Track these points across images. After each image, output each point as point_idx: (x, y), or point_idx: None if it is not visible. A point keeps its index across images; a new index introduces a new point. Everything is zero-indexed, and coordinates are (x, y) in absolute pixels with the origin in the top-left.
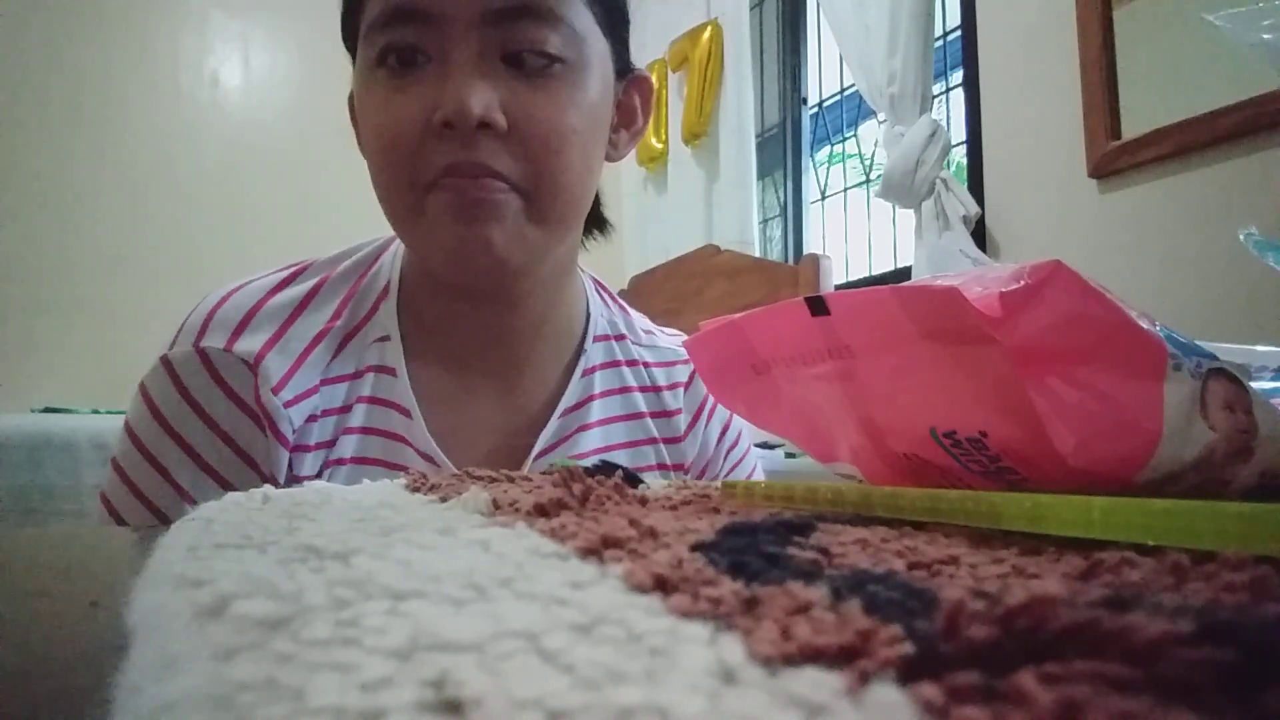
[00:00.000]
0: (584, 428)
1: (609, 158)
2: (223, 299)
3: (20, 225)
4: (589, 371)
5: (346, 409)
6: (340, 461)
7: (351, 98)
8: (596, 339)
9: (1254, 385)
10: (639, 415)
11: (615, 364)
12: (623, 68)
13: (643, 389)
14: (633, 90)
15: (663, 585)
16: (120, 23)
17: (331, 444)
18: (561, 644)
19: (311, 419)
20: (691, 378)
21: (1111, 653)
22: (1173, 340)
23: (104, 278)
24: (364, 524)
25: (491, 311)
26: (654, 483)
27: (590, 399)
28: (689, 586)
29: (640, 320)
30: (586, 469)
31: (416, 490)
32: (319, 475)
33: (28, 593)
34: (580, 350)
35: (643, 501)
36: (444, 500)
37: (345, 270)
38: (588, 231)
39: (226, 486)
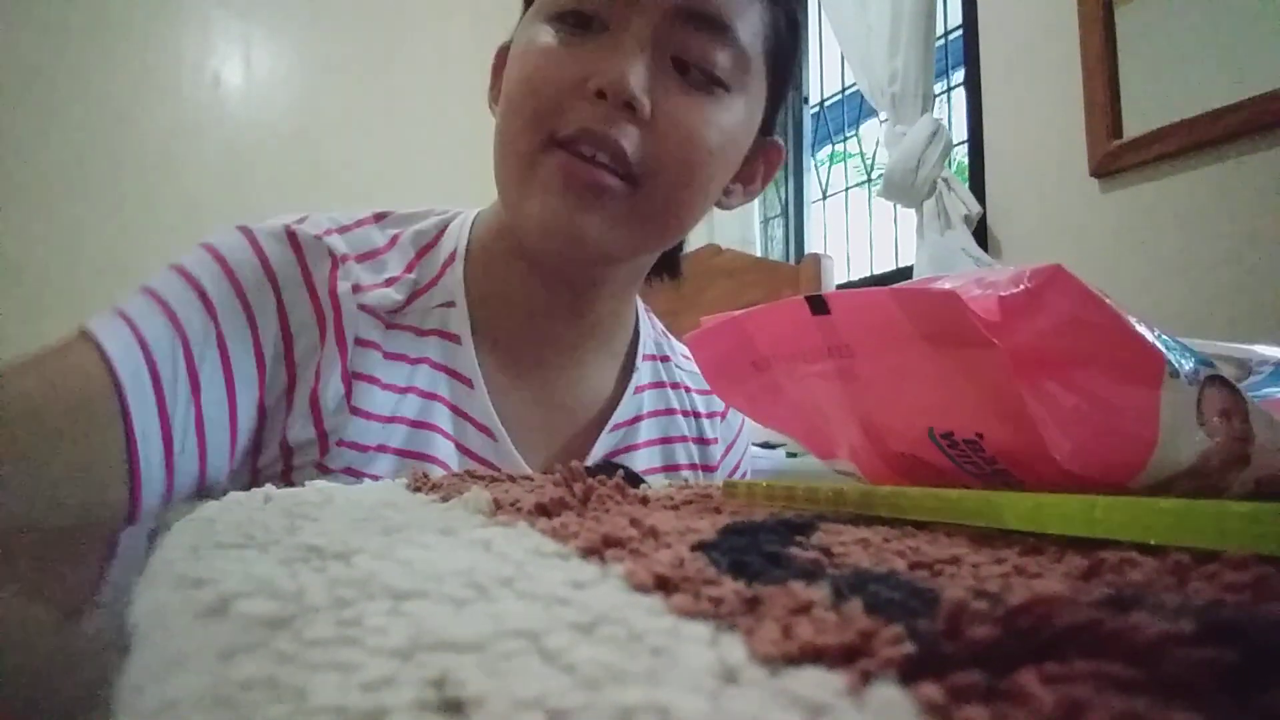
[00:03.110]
0: (632, 447)
1: (719, 203)
2: (308, 215)
3: (21, 225)
4: (640, 390)
5: (416, 362)
6: (401, 420)
7: (501, 51)
8: (645, 358)
9: (1252, 379)
10: (682, 439)
11: (660, 385)
12: (767, 126)
13: (684, 413)
14: (763, 152)
15: (664, 585)
16: (121, 22)
17: (403, 392)
18: (563, 643)
19: (376, 347)
20: (727, 408)
21: (1113, 653)
22: (1171, 347)
23: (106, 277)
24: (366, 523)
25: (559, 295)
26: (655, 483)
27: (640, 418)
28: (690, 586)
29: (679, 344)
30: (588, 469)
31: (418, 490)
32: (389, 420)
33: (27, 592)
34: (631, 367)
35: (644, 501)
36: (445, 500)
37: (417, 231)
38: (656, 272)
39: (260, 366)
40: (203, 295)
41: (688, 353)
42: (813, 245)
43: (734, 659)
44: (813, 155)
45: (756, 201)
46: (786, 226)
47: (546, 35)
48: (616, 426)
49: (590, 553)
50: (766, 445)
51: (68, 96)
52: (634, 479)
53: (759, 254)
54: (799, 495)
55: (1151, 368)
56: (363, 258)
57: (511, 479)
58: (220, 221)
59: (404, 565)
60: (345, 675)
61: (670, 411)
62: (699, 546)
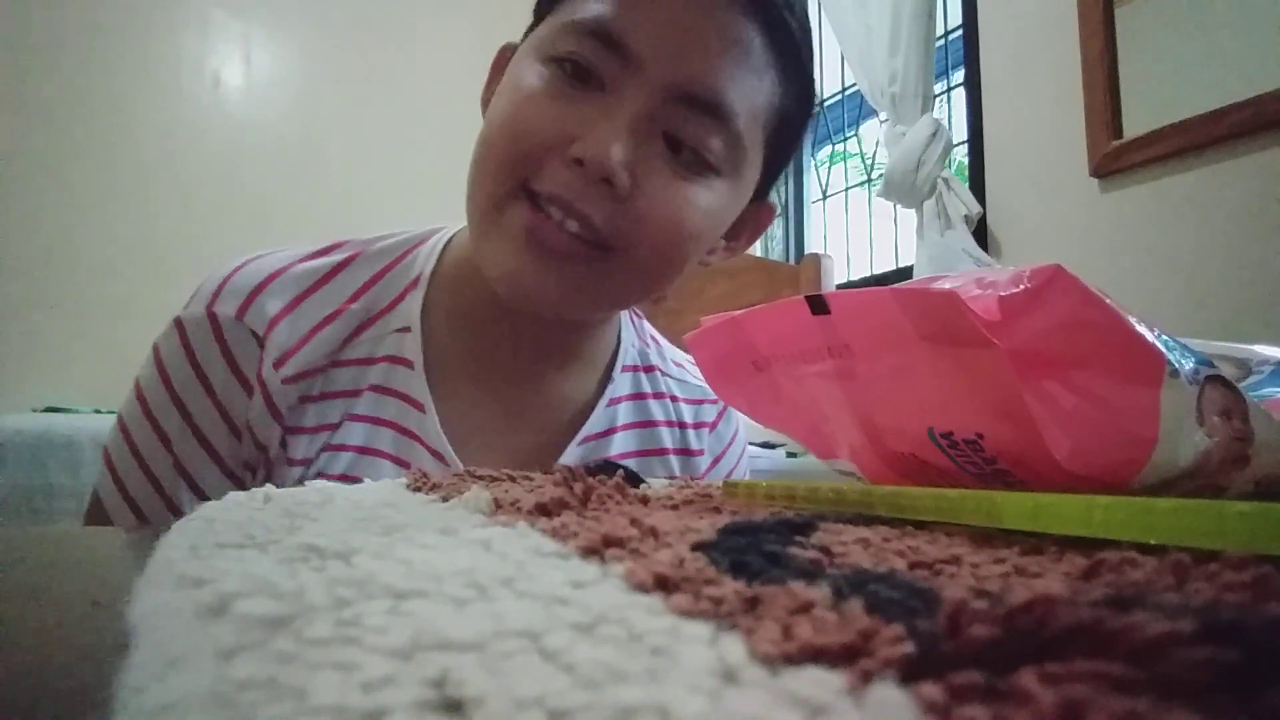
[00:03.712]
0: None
1: (700, 261)
2: (243, 263)
3: (22, 224)
4: (615, 402)
5: (355, 394)
6: (342, 448)
7: (506, 51)
8: (624, 369)
9: (1252, 379)
10: (662, 451)
11: (641, 396)
12: (761, 191)
13: (668, 424)
14: (753, 214)
15: (664, 585)
16: (121, 22)
17: (334, 427)
18: (563, 643)
19: (307, 399)
20: (718, 419)
21: (1113, 652)
22: (1171, 347)
23: (106, 277)
24: (365, 523)
25: (526, 321)
26: (655, 483)
27: (613, 430)
28: (690, 586)
29: (671, 351)
30: (588, 468)
31: (418, 490)
32: (315, 459)
33: (28, 593)
34: (608, 378)
35: (644, 501)
36: (445, 500)
37: (378, 251)
38: None
39: (215, 458)
40: (146, 409)
41: (681, 359)
42: (813, 245)
43: (734, 659)
44: (813, 155)
45: None
46: (786, 226)
47: (540, 79)
48: (587, 439)
49: (590, 552)
50: (766, 445)
51: (67, 96)
52: (634, 479)
53: (759, 254)
54: (799, 495)
55: (1151, 368)
56: (299, 300)
57: (511, 478)
58: (220, 221)
59: (404, 565)
60: (345, 675)
61: (651, 424)
62: (699, 546)
